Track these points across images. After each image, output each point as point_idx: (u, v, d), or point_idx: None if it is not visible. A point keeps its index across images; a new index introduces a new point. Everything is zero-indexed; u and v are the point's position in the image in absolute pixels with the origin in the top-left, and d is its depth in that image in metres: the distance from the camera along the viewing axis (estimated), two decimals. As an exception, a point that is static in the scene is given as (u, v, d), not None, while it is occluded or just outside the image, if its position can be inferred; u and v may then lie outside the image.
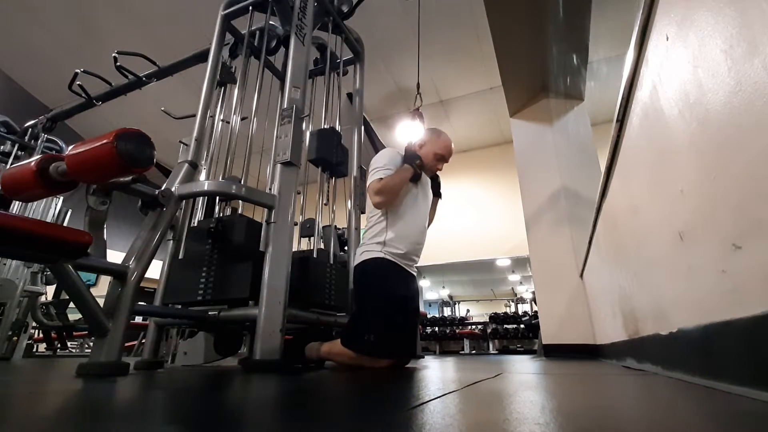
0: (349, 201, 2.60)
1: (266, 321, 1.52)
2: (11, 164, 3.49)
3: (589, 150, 3.52)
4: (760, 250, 0.58)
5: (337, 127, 2.72)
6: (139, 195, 1.49)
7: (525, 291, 11.52)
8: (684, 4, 0.77)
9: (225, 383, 1.10)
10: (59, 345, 5.12)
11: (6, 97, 5.76)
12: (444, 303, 11.98)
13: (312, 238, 2.56)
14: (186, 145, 2.05)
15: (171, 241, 1.95)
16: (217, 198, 2.11)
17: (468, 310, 11.38)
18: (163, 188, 1.58)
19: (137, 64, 2.98)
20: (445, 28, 4.86)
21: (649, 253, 1.17)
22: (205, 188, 1.79)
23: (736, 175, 0.63)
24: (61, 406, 0.69)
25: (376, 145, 6.55)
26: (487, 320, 8.73)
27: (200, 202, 2.27)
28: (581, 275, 3.08)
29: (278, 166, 1.81)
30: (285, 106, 1.91)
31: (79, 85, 3.15)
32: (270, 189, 1.81)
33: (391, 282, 1.72)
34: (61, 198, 3.98)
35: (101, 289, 2.09)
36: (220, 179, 2.12)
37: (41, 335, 5.38)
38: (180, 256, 1.86)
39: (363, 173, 2.70)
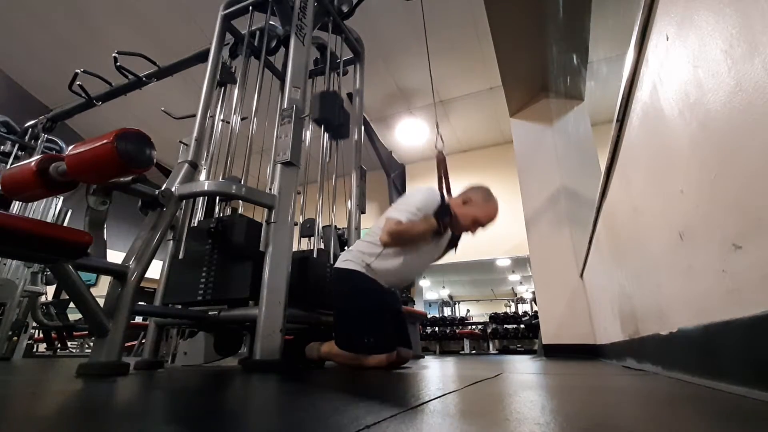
0: (350, 201, 2.60)
1: (266, 321, 1.52)
2: (11, 164, 3.49)
3: (589, 150, 3.52)
4: (760, 250, 0.58)
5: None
6: (139, 195, 1.49)
7: (525, 291, 11.52)
8: (684, 4, 0.77)
9: (225, 383, 1.10)
10: (59, 345, 5.12)
11: (6, 97, 5.76)
12: (444, 303, 11.98)
13: (312, 238, 2.56)
14: (186, 145, 2.05)
15: (171, 241, 1.95)
16: (217, 198, 2.11)
17: (468, 310, 11.38)
18: (163, 188, 1.58)
19: (137, 64, 2.98)
20: (445, 28, 4.86)
21: (649, 252, 1.17)
22: (205, 188, 1.79)
23: (736, 175, 0.63)
24: (61, 406, 0.69)
25: (376, 145, 6.56)
26: (487, 320, 8.73)
27: (200, 202, 2.27)
28: (581, 275, 3.08)
29: (278, 166, 1.81)
30: (285, 106, 1.91)
31: (79, 85, 3.15)
32: (270, 189, 1.81)
33: (373, 285, 1.71)
34: (61, 198, 3.98)
35: (101, 289, 2.09)
36: (220, 179, 2.12)
37: (41, 335, 5.38)
38: (180, 256, 1.86)
39: (363, 173, 2.70)
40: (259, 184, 2.13)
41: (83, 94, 3.25)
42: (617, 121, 1.26)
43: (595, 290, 2.67)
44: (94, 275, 5.81)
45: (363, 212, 2.63)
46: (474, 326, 8.97)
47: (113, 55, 2.82)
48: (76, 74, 3.07)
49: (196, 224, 2.08)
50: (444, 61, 5.41)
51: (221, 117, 2.42)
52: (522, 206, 3.61)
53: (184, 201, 1.90)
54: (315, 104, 2.30)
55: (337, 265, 1.79)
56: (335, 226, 2.51)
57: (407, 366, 1.83)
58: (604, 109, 3.43)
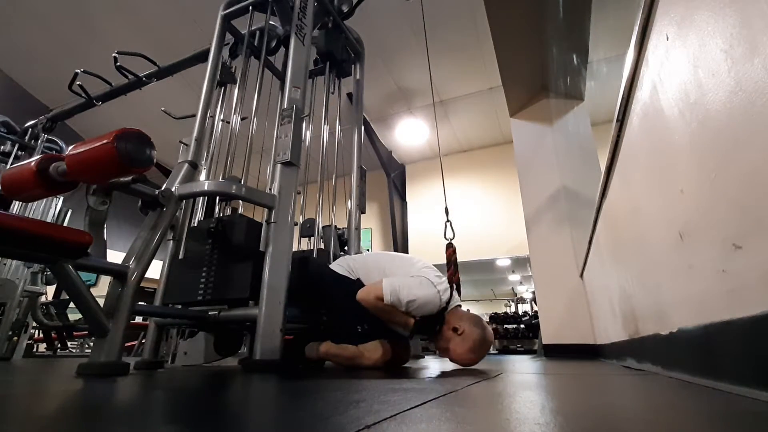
0: (350, 201, 2.60)
1: (266, 321, 1.52)
2: (11, 164, 3.49)
3: (589, 150, 3.52)
4: (760, 249, 0.58)
5: (337, 128, 2.73)
6: (139, 195, 1.49)
7: (525, 291, 11.52)
8: (684, 4, 0.77)
9: (225, 383, 1.10)
10: (59, 345, 5.11)
11: (6, 97, 5.75)
12: (444, 303, 11.95)
13: (312, 238, 2.56)
14: (186, 145, 2.05)
15: (171, 241, 1.95)
16: (217, 198, 2.11)
17: (468, 310, 11.36)
18: (163, 188, 1.58)
19: (137, 64, 2.98)
20: (445, 28, 4.86)
21: (649, 252, 1.17)
22: (205, 188, 1.79)
23: (736, 175, 0.63)
24: (61, 406, 0.69)
25: (376, 145, 6.55)
26: (487, 320, 8.73)
27: (200, 202, 2.26)
28: (581, 275, 3.08)
29: (278, 166, 1.81)
30: (285, 106, 1.91)
31: (79, 85, 3.15)
32: (270, 189, 1.81)
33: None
34: (61, 198, 3.98)
35: (101, 289, 2.09)
36: (220, 179, 2.12)
37: (41, 335, 5.38)
38: (180, 256, 1.86)
39: (363, 173, 2.71)
40: (259, 184, 2.13)
41: (83, 94, 3.25)
42: (617, 121, 1.26)
43: (595, 290, 2.67)
44: (94, 275, 5.80)
45: (363, 212, 2.64)
46: (474, 326, 8.94)
47: (113, 55, 2.82)
48: (76, 74, 3.07)
49: (196, 224, 2.08)
50: (444, 61, 5.42)
51: (221, 117, 2.42)
52: (522, 206, 3.62)
53: (184, 201, 1.89)
54: (320, 39, 2.39)
55: (332, 266, 1.84)
56: (335, 226, 2.51)
57: (406, 366, 1.83)
58: (604, 109, 3.43)
